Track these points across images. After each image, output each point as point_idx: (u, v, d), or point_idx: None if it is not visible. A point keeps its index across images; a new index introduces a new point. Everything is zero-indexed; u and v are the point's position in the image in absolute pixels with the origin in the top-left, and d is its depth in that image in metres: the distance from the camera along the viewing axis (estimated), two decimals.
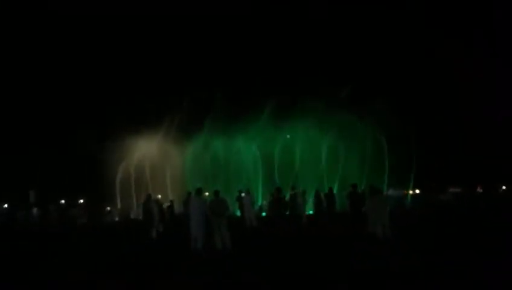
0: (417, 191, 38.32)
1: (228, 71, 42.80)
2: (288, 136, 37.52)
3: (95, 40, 46.85)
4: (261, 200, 34.91)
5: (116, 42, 47.10)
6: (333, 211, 24.21)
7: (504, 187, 40.38)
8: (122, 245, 18.45)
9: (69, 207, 36.70)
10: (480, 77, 35.45)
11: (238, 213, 26.77)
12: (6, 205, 40.88)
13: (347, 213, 21.24)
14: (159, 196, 30.67)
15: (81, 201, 42.68)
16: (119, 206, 37.85)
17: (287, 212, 22.48)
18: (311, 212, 28.01)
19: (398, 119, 34.21)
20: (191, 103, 37.50)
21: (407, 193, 37.41)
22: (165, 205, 27.03)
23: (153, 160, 38.36)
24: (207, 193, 23.93)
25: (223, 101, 36.80)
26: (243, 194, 25.28)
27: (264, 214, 31.17)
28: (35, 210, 32.18)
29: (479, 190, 39.49)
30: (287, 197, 24.48)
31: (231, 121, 37.07)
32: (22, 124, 45.05)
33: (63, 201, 41.75)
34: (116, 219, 36.11)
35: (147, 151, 38.26)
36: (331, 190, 25.30)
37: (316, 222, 23.25)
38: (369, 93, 34.25)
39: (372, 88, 35.02)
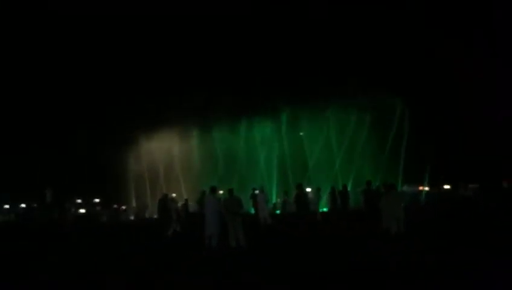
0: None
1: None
2: (301, 133, 37.50)
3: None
4: (275, 198, 34.93)
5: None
6: (347, 208, 24.13)
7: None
8: (140, 244, 18.61)
9: (88, 206, 37.17)
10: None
11: (252, 211, 26.83)
12: (24, 205, 41.49)
13: (361, 210, 21.15)
14: (174, 195, 30.89)
15: (97, 200, 43.18)
16: (134, 205, 38.22)
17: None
18: (325, 209, 27.96)
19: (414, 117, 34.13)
20: (204, 103, 37.77)
21: (422, 190, 37.17)
22: (180, 203, 27.21)
23: (167, 159, 38.70)
24: (221, 191, 24.01)
25: (236, 100, 36.98)
26: (256, 192, 25.30)
27: (278, 211, 31.18)
28: (56, 211, 32.58)
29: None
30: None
31: (244, 120, 37.27)
32: (37, 125, 45.62)
33: (79, 200, 42.28)
34: (132, 217, 36.44)
35: (161, 151, 38.61)
36: (345, 187, 25.19)
37: (331, 219, 23.18)
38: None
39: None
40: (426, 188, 37.41)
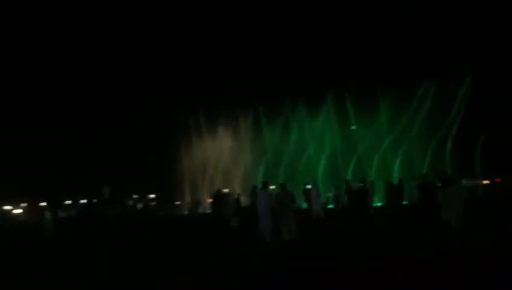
0: None
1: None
2: (353, 127, 37.01)
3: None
4: (325, 193, 34.64)
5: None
6: (401, 202, 23.63)
7: None
8: (204, 236, 18.95)
9: (146, 201, 38.26)
10: None
11: (305, 206, 26.79)
12: (84, 201, 43.29)
13: (416, 204, 20.61)
14: (226, 190, 31.30)
15: (152, 196, 44.32)
16: (187, 200, 38.99)
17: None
18: (378, 204, 27.46)
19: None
20: (256, 99, 38.17)
21: (481, 183, 35.75)
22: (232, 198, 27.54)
23: (219, 155, 39.35)
24: (273, 187, 24.13)
25: (285, 94, 37.08)
26: (308, 187, 25.26)
27: (330, 206, 30.92)
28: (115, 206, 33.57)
29: None
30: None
31: (294, 114, 37.27)
32: (94, 127, 47.41)
33: (135, 196, 43.52)
34: (185, 212, 37.17)
35: (212, 147, 39.36)
36: (401, 181, 24.64)
37: (386, 213, 22.75)
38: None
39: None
40: (485, 181, 35.93)
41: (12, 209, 53.68)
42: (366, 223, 18.83)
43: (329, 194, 33.65)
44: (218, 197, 22.05)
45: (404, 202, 24.83)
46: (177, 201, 40.27)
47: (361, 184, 21.03)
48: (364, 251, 12.61)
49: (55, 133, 46.41)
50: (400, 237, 14.73)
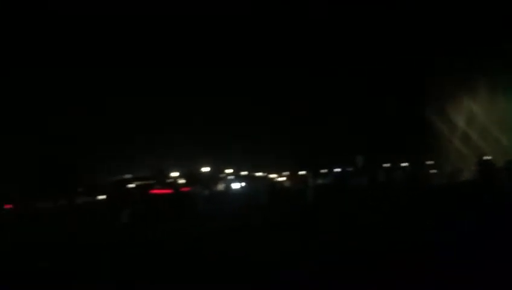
0: None
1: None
2: None
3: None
4: None
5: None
6: None
7: None
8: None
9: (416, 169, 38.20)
10: None
11: None
12: (338, 169, 45.73)
13: None
14: (488, 157, 28.66)
15: (405, 164, 43.78)
16: (448, 168, 37.23)
17: None
18: None
19: None
20: None
21: None
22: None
23: (482, 119, 36.34)
24: None
25: None
26: None
27: None
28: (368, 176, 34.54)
29: None
30: None
31: None
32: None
33: (387, 164, 43.67)
34: (444, 180, 35.53)
35: (475, 110, 36.58)
36: None
37: None
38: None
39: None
40: None
41: (277, 177, 60.69)
42: None
43: None
44: (483, 164, 20.19)
45: None
46: (433, 168, 38.76)
47: None
48: None
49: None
50: None
